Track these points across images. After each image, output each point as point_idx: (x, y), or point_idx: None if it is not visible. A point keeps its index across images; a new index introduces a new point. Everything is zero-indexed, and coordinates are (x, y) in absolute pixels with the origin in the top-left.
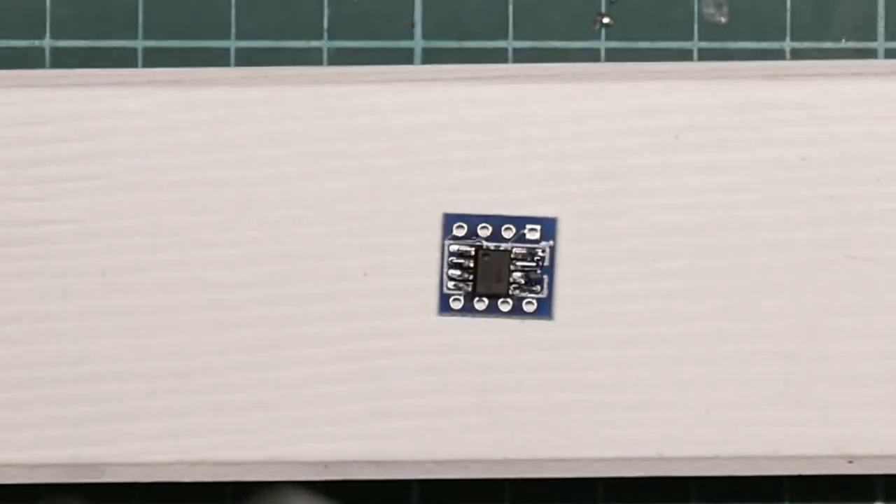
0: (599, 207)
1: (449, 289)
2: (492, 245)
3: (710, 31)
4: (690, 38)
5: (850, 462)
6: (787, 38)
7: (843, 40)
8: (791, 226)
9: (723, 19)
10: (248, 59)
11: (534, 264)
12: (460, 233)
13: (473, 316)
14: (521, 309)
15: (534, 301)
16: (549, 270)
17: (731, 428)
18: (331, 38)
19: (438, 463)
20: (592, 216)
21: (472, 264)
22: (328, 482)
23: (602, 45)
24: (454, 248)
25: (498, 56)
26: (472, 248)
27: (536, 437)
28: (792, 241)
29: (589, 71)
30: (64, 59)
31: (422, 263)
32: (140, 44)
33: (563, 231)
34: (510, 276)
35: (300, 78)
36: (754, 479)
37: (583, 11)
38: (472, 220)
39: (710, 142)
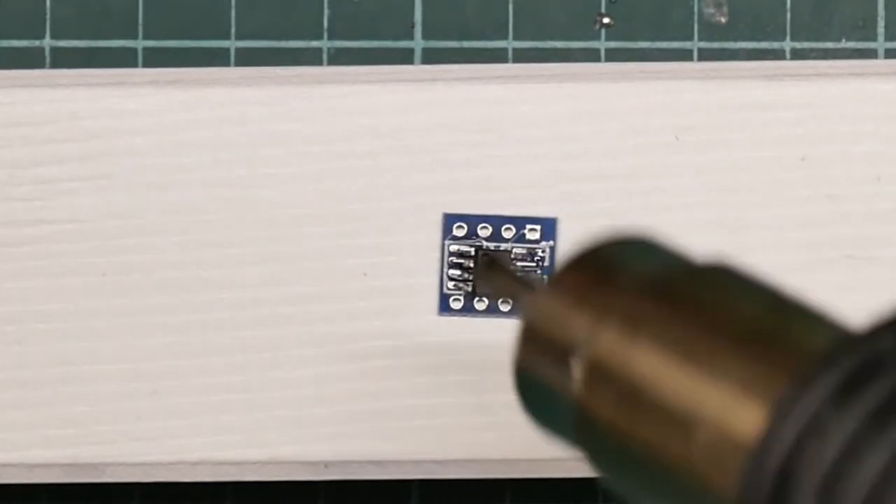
0: (599, 207)
1: (449, 289)
2: (492, 245)
3: (710, 31)
4: (690, 38)
5: None
6: (787, 38)
7: (843, 40)
8: (791, 226)
9: (723, 19)
10: (248, 59)
11: (534, 264)
12: (460, 233)
13: (473, 316)
14: None
15: None
16: (550, 270)
17: None
18: (331, 38)
19: (438, 463)
20: (592, 216)
21: (472, 264)
22: (328, 482)
23: (602, 45)
24: (454, 248)
25: (498, 56)
26: (472, 248)
27: (536, 437)
28: (792, 241)
29: (589, 71)
30: (64, 59)
31: (422, 263)
32: (140, 44)
33: (563, 231)
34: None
35: (300, 78)
36: None
37: (583, 11)
38: (472, 220)
39: (710, 142)
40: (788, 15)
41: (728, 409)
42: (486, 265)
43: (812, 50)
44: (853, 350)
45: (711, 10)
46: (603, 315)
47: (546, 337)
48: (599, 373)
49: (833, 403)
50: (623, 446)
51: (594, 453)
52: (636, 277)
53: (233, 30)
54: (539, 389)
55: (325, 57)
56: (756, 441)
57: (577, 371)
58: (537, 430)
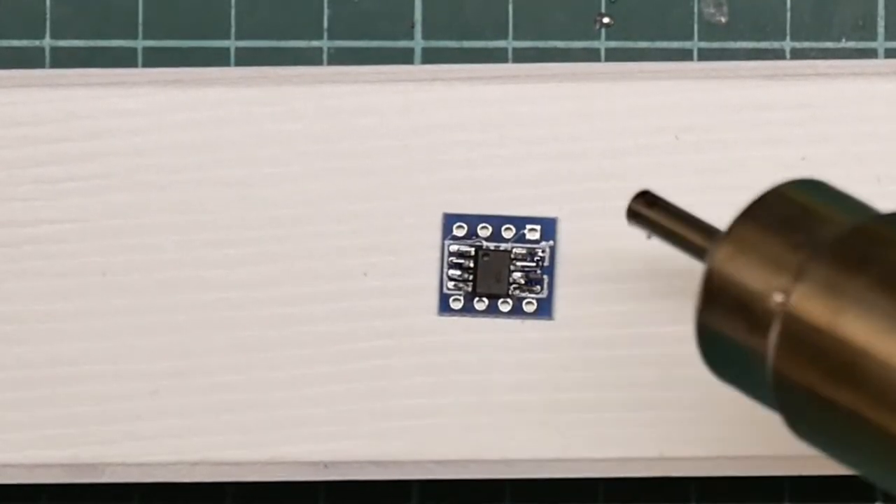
0: (599, 207)
1: (449, 289)
2: (492, 245)
3: (710, 31)
4: (690, 38)
5: None
6: (787, 38)
7: (843, 40)
8: None
9: (723, 19)
10: (248, 59)
11: (534, 264)
12: (460, 233)
13: (473, 316)
14: (521, 309)
15: (534, 301)
16: (549, 270)
17: (731, 427)
18: (331, 38)
19: (438, 463)
20: (592, 216)
21: (472, 264)
22: (328, 482)
23: (602, 45)
24: (454, 248)
25: (498, 56)
26: (472, 248)
27: (536, 437)
28: None
29: (589, 71)
30: (64, 59)
31: (422, 263)
32: (140, 44)
33: (563, 231)
34: (510, 276)
35: (300, 78)
36: (754, 479)
37: (583, 11)
38: (472, 220)
39: (710, 142)
40: (788, 15)
41: None
42: (645, 203)
43: (812, 50)
44: None
45: (711, 10)
46: (801, 273)
47: (735, 292)
48: (798, 335)
49: None
50: (829, 412)
51: (792, 414)
52: (829, 228)
53: (233, 30)
54: (726, 347)
55: (325, 57)
56: None
57: (774, 331)
58: (726, 383)
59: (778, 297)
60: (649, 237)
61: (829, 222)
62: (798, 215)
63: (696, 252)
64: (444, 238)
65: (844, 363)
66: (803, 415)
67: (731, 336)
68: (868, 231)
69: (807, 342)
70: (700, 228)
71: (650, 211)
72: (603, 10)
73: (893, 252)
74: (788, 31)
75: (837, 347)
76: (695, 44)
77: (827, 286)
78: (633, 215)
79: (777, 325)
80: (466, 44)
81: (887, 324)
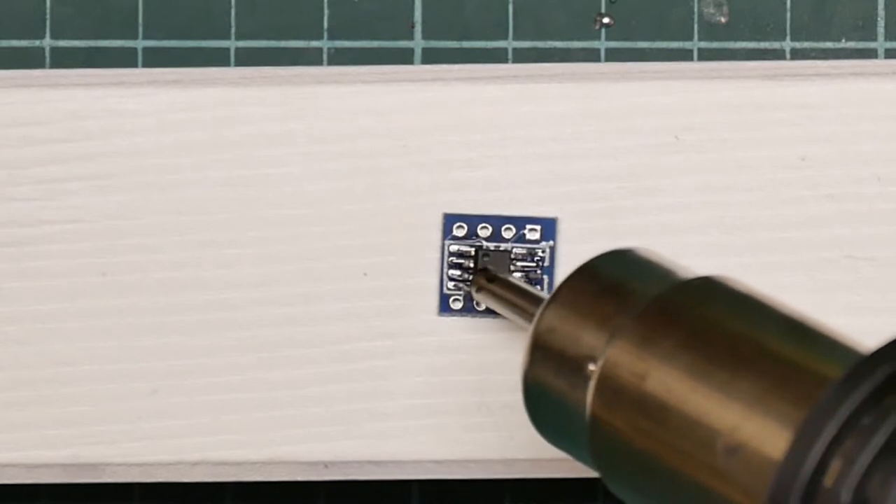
0: (599, 207)
1: (449, 289)
2: (492, 245)
3: (710, 31)
4: (690, 38)
5: None
6: (787, 38)
7: (843, 40)
8: (791, 226)
9: (723, 19)
10: (248, 59)
11: (534, 264)
12: (460, 233)
13: (473, 316)
14: None
15: None
16: (550, 270)
17: None
18: (331, 38)
19: (438, 463)
20: (592, 216)
21: (472, 264)
22: (328, 482)
23: (602, 45)
24: (454, 248)
25: (498, 56)
26: (472, 249)
27: (536, 437)
28: (792, 241)
29: (589, 71)
30: (64, 59)
31: (422, 263)
32: (140, 44)
33: (563, 231)
34: (510, 276)
35: (300, 78)
36: None
37: (583, 11)
38: (472, 220)
39: (710, 142)
40: (788, 15)
41: (754, 432)
42: (486, 279)
43: (812, 50)
44: (870, 373)
45: (711, 10)
46: (613, 337)
47: (557, 351)
48: (613, 388)
49: (855, 425)
50: (637, 460)
51: (606, 465)
52: (642, 292)
53: (233, 30)
54: (549, 402)
55: (325, 57)
56: (782, 466)
57: (591, 385)
58: (547, 441)
59: (593, 360)
60: None
61: (635, 292)
62: (610, 285)
63: (528, 318)
64: (444, 238)
65: (652, 418)
66: (616, 468)
67: (554, 392)
68: (667, 300)
69: (619, 398)
70: (530, 297)
71: (491, 285)
72: (603, 10)
73: (689, 317)
74: (788, 31)
75: (646, 403)
76: (695, 44)
77: (636, 348)
78: (479, 289)
79: (593, 381)
80: (466, 44)
81: (689, 382)
